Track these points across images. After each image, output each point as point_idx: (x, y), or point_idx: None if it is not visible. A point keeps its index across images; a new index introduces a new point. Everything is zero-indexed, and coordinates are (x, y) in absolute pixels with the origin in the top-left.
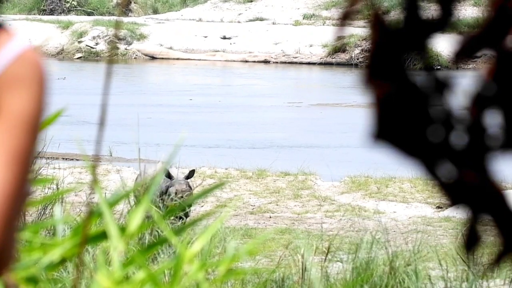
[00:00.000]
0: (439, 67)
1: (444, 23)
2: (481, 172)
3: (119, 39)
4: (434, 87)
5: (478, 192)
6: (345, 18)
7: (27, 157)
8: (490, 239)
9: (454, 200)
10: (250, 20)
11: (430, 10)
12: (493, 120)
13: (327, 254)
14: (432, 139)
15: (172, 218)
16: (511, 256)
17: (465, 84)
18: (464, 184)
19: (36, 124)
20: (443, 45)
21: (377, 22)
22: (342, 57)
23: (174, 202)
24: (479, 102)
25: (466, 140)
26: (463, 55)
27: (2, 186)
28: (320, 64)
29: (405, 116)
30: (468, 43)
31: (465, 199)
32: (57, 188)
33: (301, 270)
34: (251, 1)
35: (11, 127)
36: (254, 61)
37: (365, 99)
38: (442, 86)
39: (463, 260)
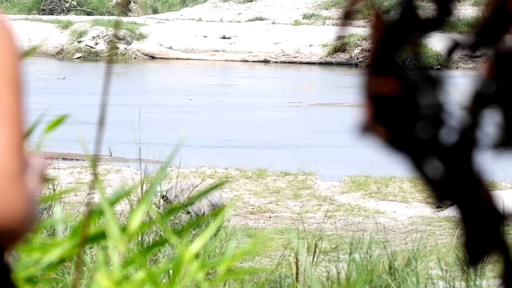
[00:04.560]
0: (439, 66)
1: (441, 22)
2: (468, 170)
3: (119, 39)
4: (426, 84)
5: (464, 190)
6: (346, 18)
7: (19, 114)
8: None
9: (440, 197)
10: (250, 20)
11: (430, 10)
12: (489, 118)
13: (315, 252)
14: (421, 135)
15: (183, 214)
16: (494, 255)
17: (464, 83)
18: (450, 182)
19: (18, 80)
20: (443, 44)
21: (377, 21)
22: (342, 56)
23: (175, 202)
24: (477, 100)
25: (455, 137)
26: (458, 54)
27: (1, 144)
28: (320, 63)
29: (396, 112)
30: (465, 42)
31: (450, 197)
32: (54, 189)
33: (297, 270)
34: (251, 1)
35: None
36: (254, 61)
37: (360, 97)
38: (434, 83)
39: (460, 260)
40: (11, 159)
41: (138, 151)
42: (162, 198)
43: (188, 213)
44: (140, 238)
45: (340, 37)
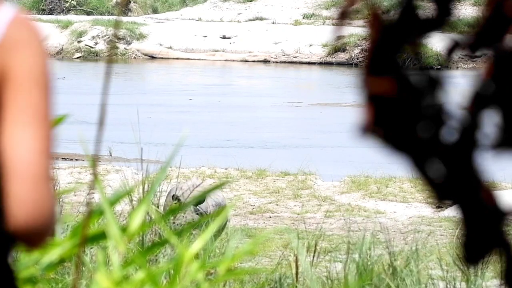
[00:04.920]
0: (439, 66)
1: (440, 22)
2: (469, 169)
3: (119, 38)
4: (426, 84)
5: (465, 189)
6: (343, 18)
7: (46, 114)
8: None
9: (441, 197)
10: (250, 20)
11: (430, 10)
12: (489, 119)
13: (315, 252)
14: (421, 135)
15: (191, 211)
16: (495, 254)
17: (463, 83)
18: (451, 181)
19: (46, 80)
20: (443, 44)
21: (375, 21)
22: (342, 56)
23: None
24: (477, 101)
25: (456, 137)
26: (458, 54)
27: (31, 144)
28: (320, 63)
29: (397, 112)
30: (465, 43)
31: (451, 197)
32: (53, 189)
33: (297, 270)
34: (251, 1)
35: (23, 87)
36: (254, 61)
37: (360, 97)
38: (434, 83)
39: (459, 260)
40: (41, 160)
41: (138, 151)
42: (173, 198)
43: (197, 211)
44: (141, 238)
45: (338, 37)
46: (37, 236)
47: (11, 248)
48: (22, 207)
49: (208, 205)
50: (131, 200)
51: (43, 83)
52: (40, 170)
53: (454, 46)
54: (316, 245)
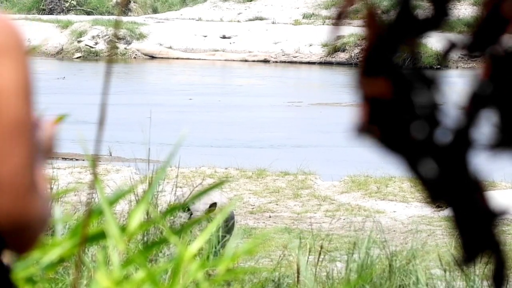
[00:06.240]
0: (438, 66)
1: (438, 22)
2: (462, 170)
3: (119, 38)
4: (420, 84)
5: (457, 190)
6: (341, 18)
7: (28, 123)
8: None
9: (434, 197)
10: (250, 20)
11: (428, 10)
12: (486, 119)
13: (320, 254)
14: (415, 135)
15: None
16: (487, 254)
17: (461, 82)
18: (444, 182)
19: (27, 88)
20: (442, 44)
21: (372, 21)
22: (342, 56)
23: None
24: (475, 101)
25: (450, 137)
26: (457, 54)
27: (13, 157)
28: (320, 63)
29: (391, 112)
30: (462, 43)
31: (444, 197)
32: (51, 188)
33: (298, 270)
34: (251, 1)
35: (2, 97)
36: (254, 61)
37: (355, 97)
38: (429, 83)
39: (455, 259)
40: (28, 171)
41: (138, 150)
42: (183, 209)
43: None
44: (143, 238)
45: (335, 37)
46: (25, 245)
47: (3, 248)
48: (7, 219)
49: (200, 207)
50: (131, 200)
51: (25, 91)
52: (28, 181)
53: (451, 47)
54: (321, 247)
